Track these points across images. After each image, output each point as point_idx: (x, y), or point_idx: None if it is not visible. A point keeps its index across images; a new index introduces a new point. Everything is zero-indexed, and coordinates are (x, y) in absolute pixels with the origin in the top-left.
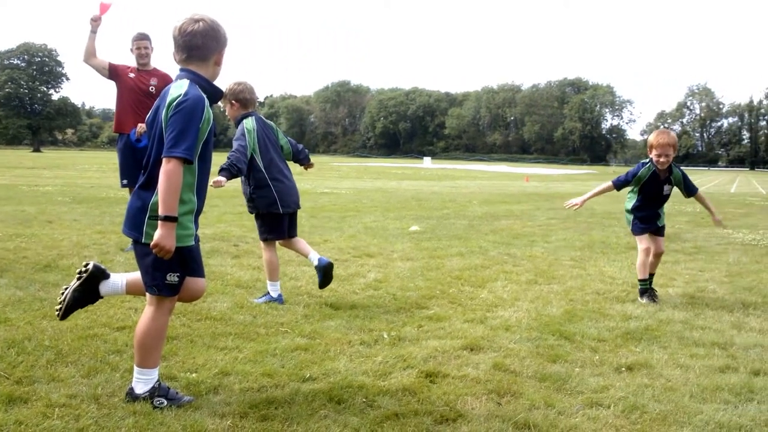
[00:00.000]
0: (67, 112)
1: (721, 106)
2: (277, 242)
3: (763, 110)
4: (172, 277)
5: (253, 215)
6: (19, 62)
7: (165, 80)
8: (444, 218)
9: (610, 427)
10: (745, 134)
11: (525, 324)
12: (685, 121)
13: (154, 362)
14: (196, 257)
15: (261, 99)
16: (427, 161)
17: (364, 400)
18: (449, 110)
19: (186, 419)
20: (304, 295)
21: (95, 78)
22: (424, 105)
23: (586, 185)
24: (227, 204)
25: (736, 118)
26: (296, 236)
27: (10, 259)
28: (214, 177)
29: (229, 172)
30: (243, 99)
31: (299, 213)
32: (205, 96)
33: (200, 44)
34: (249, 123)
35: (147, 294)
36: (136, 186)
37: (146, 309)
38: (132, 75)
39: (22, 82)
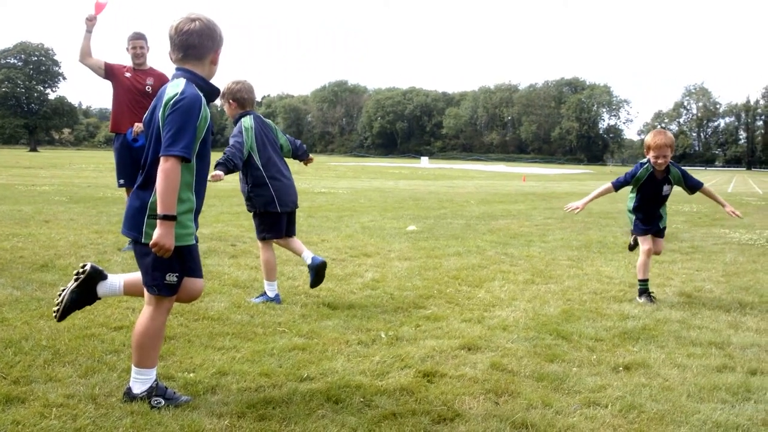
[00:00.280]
0: (64, 112)
1: (718, 106)
2: (274, 242)
3: (759, 110)
4: (171, 277)
5: (251, 214)
6: (15, 61)
7: (161, 80)
8: (441, 218)
9: (607, 426)
10: (742, 134)
11: (522, 324)
12: (682, 120)
13: (152, 362)
14: (195, 257)
15: (258, 99)
16: (425, 161)
17: (361, 399)
18: (446, 110)
19: (183, 419)
20: (302, 295)
21: (92, 77)
22: (422, 105)
23: (583, 185)
24: (224, 203)
25: (732, 118)
26: (294, 236)
27: (7, 259)
28: (211, 172)
29: (226, 166)
30: (240, 98)
31: (297, 212)
32: (202, 94)
33: (196, 43)
34: (247, 121)
35: (145, 294)
36: (135, 186)
37: (144, 309)
38: (128, 75)
39: (19, 82)
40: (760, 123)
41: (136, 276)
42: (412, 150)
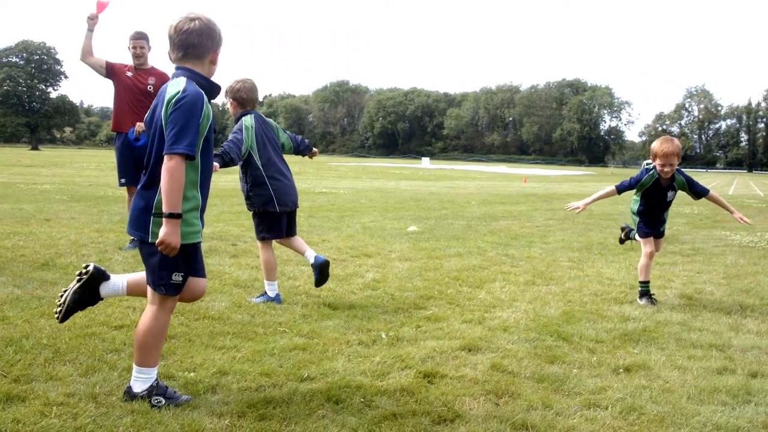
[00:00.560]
0: (66, 111)
1: (719, 108)
2: (274, 241)
3: (761, 112)
4: (177, 277)
5: (251, 214)
6: (17, 60)
7: (163, 79)
8: (442, 219)
9: (607, 428)
10: (743, 136)
11: (523, 325)
12: (683, 122)
13: (153, 361)
14: (199, 256)
15: (260, 98)
16: (426, 161)
17: (362, 400)
18: (448, 111)
19: (184, 418)
20: (303, 295)
21: (93, 76)
22: (423, 105)
23: (584, 186)
24: (225, 203)
25: (734, 120)
26: (295, 235)
27: (8, 257)
28: (219, 176)
29: (222, 158)
30: (240, 98)
31: (297, 212)
32: (203, 92)
33: (196, 42)
34: (248, 120)
35: (149, 293)
36: (138, 186)
37: (148, 308)
38: (129, 74)
39: (21, 80)
40: (761, 125)
41: (139, 276)
42: (414, 150)
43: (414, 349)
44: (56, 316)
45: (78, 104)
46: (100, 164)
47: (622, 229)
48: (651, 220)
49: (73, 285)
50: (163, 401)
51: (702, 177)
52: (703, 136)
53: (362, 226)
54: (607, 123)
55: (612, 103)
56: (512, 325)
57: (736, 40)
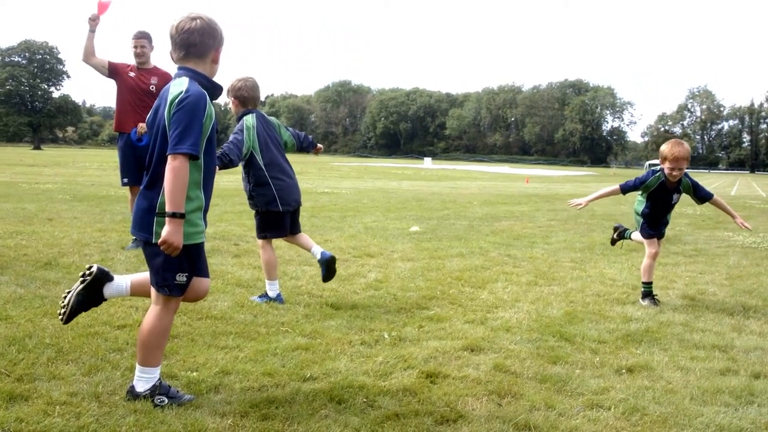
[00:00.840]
0: (68, 110)
1: (721, 109)
2: (279, 239)
3: (763, 113)
4: (181, 277)
5: (253, 213)
6: (20, 59)
7: (165, 79)
8: (444, 219)
9: (610, 428)
10: (746, 137)
11: (525, 325)
12: (685, 123)
13: (156, 361)
14: (202, 256)
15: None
16: (428, 162)
17: (364, 400)
18: (450, 111)
19: (187, 418)
20: (305, 295)
21: (96, 76)
22: (425, 105)
23: (586, 187)
24: (227, 203)
25: (736, 121)
26: (300, 232)
27: (11, 257)
28: (221, 176)
29: (221, 160)
30: (241, 97)
31: (300, 212)
32: (205, 92)
33: (197, 42)
34: (249, 120)
35: (153, 293)
36: (141, 187)
37: (152, 308)
38: (132, 74)
39: (23, 80)
40: (764, 126)
41: (143, 276)
42: (416, 151)
43: (416, 349)
44: (60, 317)
45: (80, 104)
46: (103, 164)
47: (615, 229)
48: (655, 221)
49: (77, 286)
50: (166, 401)
51: (704, 178)
52: (705, 137)
53: (364, 226)
54: (609, 123)
55: (614, 103)
56: (515, 326)
57: (738, 40)
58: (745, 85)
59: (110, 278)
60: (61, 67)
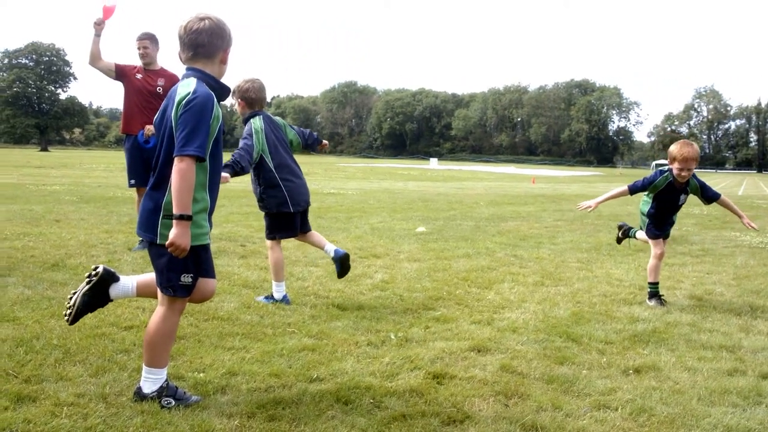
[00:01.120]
0: (75, 112)
1: (728, 108)
2: (290, 239)
3: None
4: (187, 278)
5: (261, 214)
6: (27, 62)
7: (172, 80)
8: (450, 219)
9: (617, 429)
10: (753, 137)
11: (532, 326)
12: (692, 123)
13: (163, 362)
14: (208, 257)
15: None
16: (434, 162)
17: (371, 401)
18: (456, 111)
19: (194, 419)
20: (311, 296)
21: (102, 78)
22: (431, 106)
23: (592, 187)
24: (234, 204)
25: (743, 121)
26: (310, 230)
27: (18, 258)
28: None
29: (233, 169)
30: (248, 98)
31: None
32: (213, 93)
33: (206, 42)
34: (257, 123)
35: (159, 294)
36: (147, 187)
37: (157, 309)
38: (139, 76)
39: (30, 82)
40: None
41: (149, 277)
42: (422, 151)
43: (423, 350)
44: (66, 318)
45: (87, 105)
46: (109, 165)
47: (620, 228)
48: (661, 222)
49: (83, 287)
50: (173, 402)
51: (711, 178)
52: (712, 137)
53: (371, 227)
54: (615, 123)
55: (620, 103)
56: (521, 326)
57: (745, 40)
58: (752, 84)
59: (116, 279)
60: (67, 69)
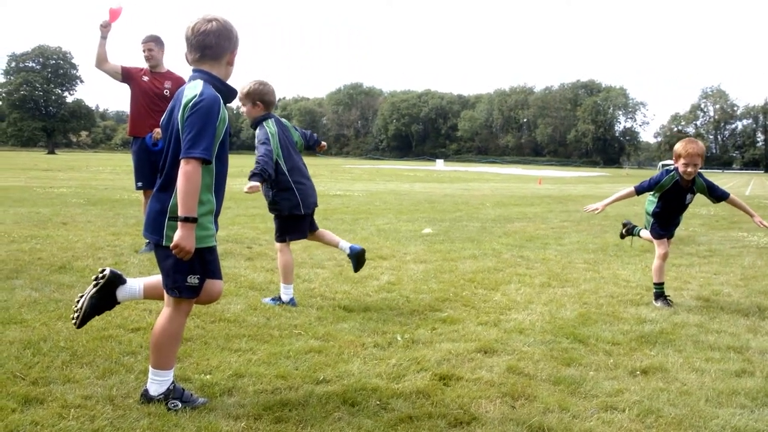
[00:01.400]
0: (82, 115)
1: (735, 108)
2: (300, 240)
3: None
4: (193, 280)
5: (267, 217)
6: (34, 65)
7: (179, 83)
8: (457, 221)
9: (625, 431)
10: (760, 136)
11: (539, 327)
12: (698, 123)
13: (169, 364)
14: (215, 259)
15: None
16: (440, 163)
17: (377, 402)
18: (462, 112)
19: (200, 421)
20: (318, 297)
21: (109, 80)
22: (437, 107)
23: (599, 188)
24: (240, 206)
25: (750, 120)
26: (318, 228)
27: (26, 261)
28: (248, 184)
29: (261, 176)
30: (268, 101)
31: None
32: (219, 96)
33: (213, 43)
34: (271, 127)
35: (165, 296)
36: (154, 189)
37: (164, 310)
38: (146, 78)
39: (37, 85)
40: None
41: (156, 279)
42: (428, 152)
43: (429, 351)
44: (73, 321)
45: (94, 108)
46: (116, 168)
47: (624, 225)
48: (666, 222)
49: (90, 290)
50: (180, 404)
51: (718, 178)
52: (719, 137)
53: (377, 229)
54: (621, 124)
55: (627, 104)
56: (528, 327)
57: (752, 39)
58: (758, 84)
59: (123, 281)
60: (74, 72)
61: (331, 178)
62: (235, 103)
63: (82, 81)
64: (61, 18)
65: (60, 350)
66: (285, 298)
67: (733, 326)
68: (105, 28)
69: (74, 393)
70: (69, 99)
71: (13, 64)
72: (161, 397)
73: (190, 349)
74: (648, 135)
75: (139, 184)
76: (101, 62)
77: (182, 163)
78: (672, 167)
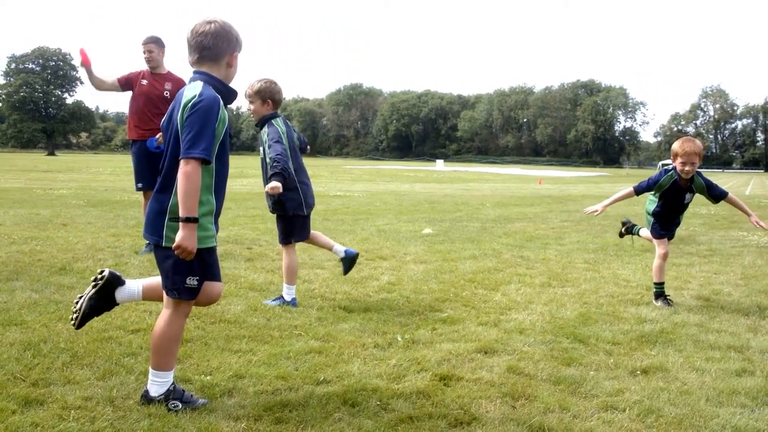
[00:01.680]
0: (81, 116)
1: (735, 108)
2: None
3: None
4: (192, 281)
5: (266, 218)
6: (33, 66)
7: (179, 84)
8: (457, 221)
9: (625, 430)
10: (760, 136)
11: (539, 327)
12: (698, 122)
13: (169, 365)
14: (214, 260)
15: None
16: (440, 164)
17: (378, 403)
18: (461, 113)
19: (201, 422)
20: (318, 298)
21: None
22: (437, 107)
23: (599, 188)
24: (240, 207)
25: (750, 120)
26: (311, 231)
27: (26, 262)
28: (269, 185)
29: (282, 176)
30: (278, 100)
31: (312, 215)
32: (219, 97)
33: (211, 44)
34: (281, 125)
35: (164, 297)
36: (154, 190)
37: (163, 312)
38: (145, 81)
39: (37, 86)
40: None
41: (155, 280)
42: (428, 153)
43: (430, 351)
44: (72, 322)
45: (93, 109)
46: (116, 169)
47: (623, 224)
48: (666, 221)
49: (89, 291)
50: (180, 405)
51: (718, 177)
52: (719, 136)
53: (377, 229)
54: (621, 124)
55: (626, 103)
56: (528, 328)
57: (751, 39)
58: (758, 83)
59: (122, 282)
60: (74, 73)
61: (331, 178)
62: (236, 104)
63: (81, 82)
64: (61, 19)
65: (60, 352)
66: (288, 298)
67: (734, 326)
68: (84, 65)
69: (74, 394)
70: (69, 100)
71: (13, 66)
72: (161, 398)
73: (190, 350)
74: (648, 135)
75: (139, 185)
76: (99, 86)
77: (182, 163)
78: (670, 167)
